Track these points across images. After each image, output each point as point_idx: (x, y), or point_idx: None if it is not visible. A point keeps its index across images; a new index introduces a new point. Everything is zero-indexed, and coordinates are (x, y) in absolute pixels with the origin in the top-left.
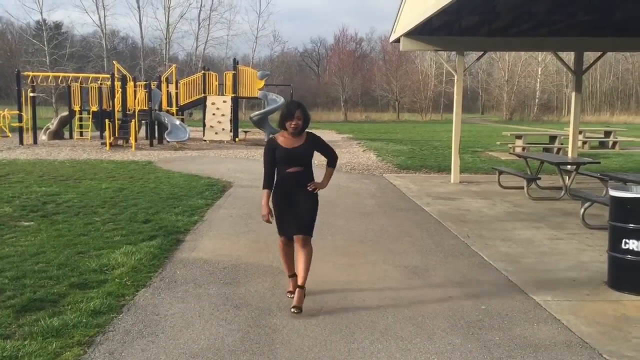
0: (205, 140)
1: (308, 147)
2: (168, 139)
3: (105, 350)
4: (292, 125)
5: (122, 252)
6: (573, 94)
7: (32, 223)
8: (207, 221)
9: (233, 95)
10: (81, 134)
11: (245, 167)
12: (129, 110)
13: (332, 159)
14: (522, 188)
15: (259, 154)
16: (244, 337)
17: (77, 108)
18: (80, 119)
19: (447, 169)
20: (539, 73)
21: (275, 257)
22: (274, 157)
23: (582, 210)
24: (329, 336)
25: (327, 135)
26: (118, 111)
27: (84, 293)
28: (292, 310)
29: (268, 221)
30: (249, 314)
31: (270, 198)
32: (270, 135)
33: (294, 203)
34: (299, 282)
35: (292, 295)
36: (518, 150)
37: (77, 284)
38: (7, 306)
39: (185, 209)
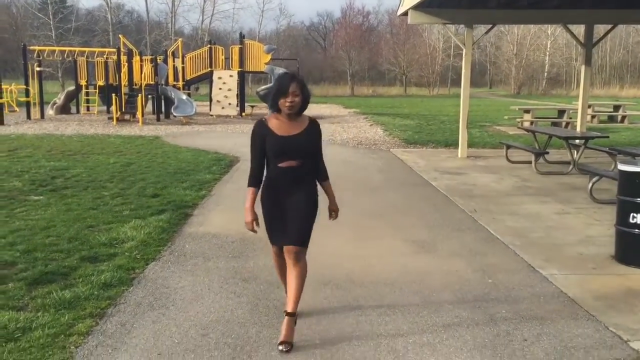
0: (211, 115)
1: (309, 136)
2: (175, 114)
3: (117, 322)
4: (287, 104)
5: (131, 226)
6: (582, 67)
7: (41, 197)
8: (214, 196)
9: (239, 69)
10: (88, 108)
11: None
12: (136, 85)
13: (323, 168)
14: (530, 162)
15: None
16: (253, 310)
17: (83, 82)
18: (87, 94)
19: (454, 144)
20: (548, 46)
21: None
22: (264, 145)
23: (590, 184)
24: (337, 309)
25: (334, 110)
26: (124, 86)
27: (94, 266)
28: (280, 347)
29: (253, 230)
30: (257, 287)
31: (259, 199)
32: (262, 117)
33: (286, 206)
34: (290, 308)
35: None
36: (526, 124)
37: (88, 257)
38: (20, 279)
39: (193, 183)
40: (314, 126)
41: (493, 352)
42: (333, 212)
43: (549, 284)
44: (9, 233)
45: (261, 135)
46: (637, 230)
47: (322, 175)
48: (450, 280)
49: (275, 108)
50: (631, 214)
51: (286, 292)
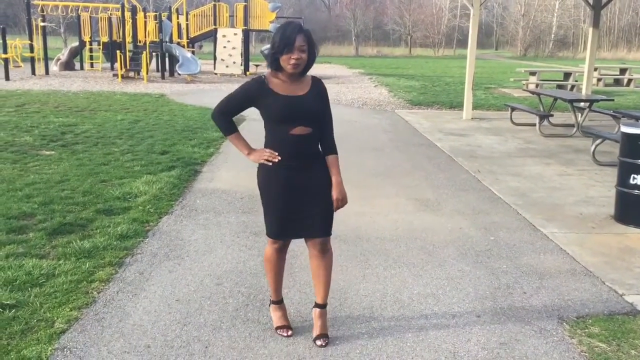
0: (216, 74)
1: (316, 98)
2: (179, 72)
3: (135, 271)
4: (292, 61)
5: (143, 182)
6: (590, 29)
7: (53, 152)
8: (222, 153)
9: (244, 27)
10: (92, 65)
11: None
12: (140, 42)
13: (331, 136)
14: (534, 125)
15: None
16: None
17: (87, 39)
18: (91, 50)
19: (459, 106)
20: (556, 7)
21: None
22: (245, 106)
23: (593, 147)
24: (344, 262)
25: (338, 70)
26: (129, 42)
27: (110, 219)
28: (318, 342)
29: (275, 158)
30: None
31: (259, 178)
32: (261, 75)
33: (305, 188)
34: (322, 299)
35: (285, 333)
36: (531, 87)
37: (103, 210)
38: (39, 229)
39: (201, 141)
40: (319, 86)
41: (493, 303)
42: (338, 200)
43: (549, 241)
44: (25, 186)
45: (253, 96)
46: (637, 191)
47: (329, 147)
48: (453, 237)
49: (276, 65)
50: (632, 175)
51: (275, 300)
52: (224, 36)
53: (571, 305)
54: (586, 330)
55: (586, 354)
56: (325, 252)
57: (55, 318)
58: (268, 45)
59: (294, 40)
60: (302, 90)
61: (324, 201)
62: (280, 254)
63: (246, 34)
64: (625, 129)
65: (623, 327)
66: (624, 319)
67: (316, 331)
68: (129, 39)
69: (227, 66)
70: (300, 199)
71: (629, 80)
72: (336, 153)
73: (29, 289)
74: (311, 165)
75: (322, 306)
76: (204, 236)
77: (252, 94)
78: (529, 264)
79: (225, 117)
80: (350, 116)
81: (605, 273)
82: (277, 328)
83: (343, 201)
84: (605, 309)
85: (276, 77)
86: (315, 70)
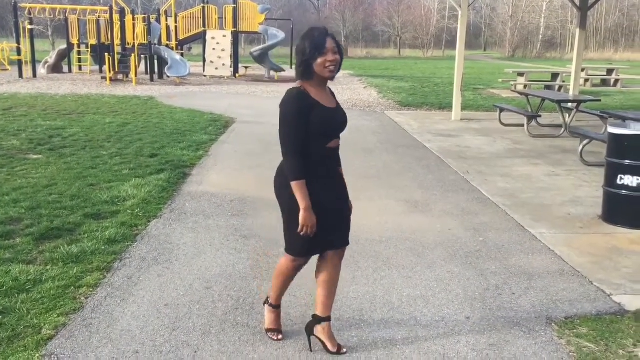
0: (205, 76)
1: (341, 108)
2: (168, 74)
3: (123, 275)
4: (328, 64)
5: (131, 185)
6: (577, 30)
7: (40, 156)
8: (212, 156)
9: (233, 29)
10: (80, 67)
11: (247, 103)
12: (128, 44)
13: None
14: (523, 125)
15: (260, 90)
16: (254, 265)
17: (75, 41)
18: (79, 53)
19: (448, 107)
20: (544, 8)
21: None
22: (307, 123)
23: (581, 147)
24: None
25: None
26: (117, 45)
27: (98, 223)
28: (344, 351)
29: (310, 233)
30: (257, 244)
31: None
32: (298, 86)
33: (334, 202)
34: (327, 312)
35: (275, 337)
36: (520, 87)
37: (91, 214)
38: (27, 234)
39: (190, 144)
40: (333, 94)
41: (483, 305)
42: (350, 209)
43: (538, 242)
44: (12, 190)
45: (307, 111)
46: (624, 191)
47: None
48: (443, 238)
49: (309, 73)
50: (619, 176)
51: (275, 304)
52: (213, 38)
53: (559, 305)
54: (574, 330)
55: (574, 355)
56: (341, 261)
57: (43, 324)
58: (258, 47)
59: (324, 43)
60: (332, 100)
61: (347, 210)
62: (300, 267)
63: (235, 36)
64: (611, 130)
65: (611, 327)
66: (612, 319)
67: (333, 345)
68: (117, 41)
69: (216, 68)
70: (333, 214)
71: (616, 81)
72: (340, 165)
73: (16, 295)
74: (339, 174)
75: (329, 319)
76: (193, 240)
77: (306, 110)
78: (518, 264)
79: (300, 156)
80: None
81: (593, 273)
82: (268, 330)
83: (351, 210)
84: (594, 309)
85: (311, 87)
86: None
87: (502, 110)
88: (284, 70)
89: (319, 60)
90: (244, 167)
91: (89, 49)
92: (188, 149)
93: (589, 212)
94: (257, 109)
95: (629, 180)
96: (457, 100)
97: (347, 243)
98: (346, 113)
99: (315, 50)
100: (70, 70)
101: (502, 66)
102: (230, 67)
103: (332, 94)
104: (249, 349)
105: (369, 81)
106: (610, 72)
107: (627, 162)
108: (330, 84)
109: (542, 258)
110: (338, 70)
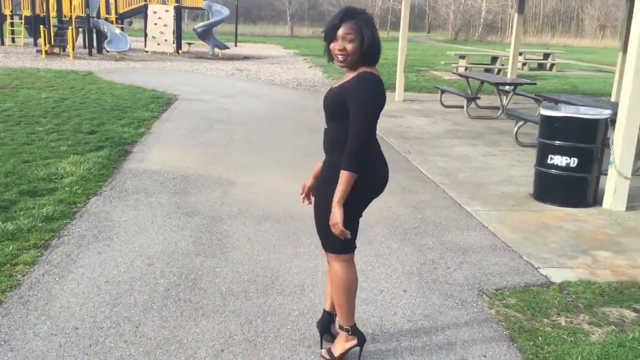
0: (146, 52)
1: (341, 91)
2: (108, 49)
3: (61, 253)
4: (336, 52)
5: (69, 162)
6: (515, 15)
7: None
8: (154, 133)
9: (176, 4)
10: (13, 40)
11: (190, 80)
12: (65, 17)
13: (345, 145)
14: (463, 107)
15: (203, 67)
16: (197, 242)
17: (7, 12)
18: (12, 24)
19: (391, 87)
20: None
21: (225, 169)
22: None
23: (516, 128)
24: (277, 241)
25: (272, 51)
26: (53, 17)
27: (34, 200)
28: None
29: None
30: (200, 221)
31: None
32: (372, 72)
33: None
34: (333, 309)
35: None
36: (461, 70)
37: (27, 192)
38: None
39: (131, 120)
40: (356, 78)
41: (419, 278)
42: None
43: (473, 219)
44: None
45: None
46: (553, 170)
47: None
48: (383, 215)
49: (329, 56)
50: (549, 156)
51: (351, 310)
52: (154, 12)
53: (491, 278)
54: (504, 301)
55: (503, 323)
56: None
57: None
58: (202, 24)
59: (337, 27)
60: (341, 84)
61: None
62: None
63: (178, 11)
64: (543, 112)
65: (537, 298)
66: (539, 290)
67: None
68: (53, 13)
69: (158, 44)
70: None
71: (552, 65)
72: (346, 168)
73: None
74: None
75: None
76: (134, 217)
77: (384, 96)
78: (454, 240)
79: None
80: (285, 97)
81: (523, 248)
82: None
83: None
84: (522, 281)
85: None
86: (250, 49)
87: (443, 91)
88: (228, 48)
89: (331, 46)
90: (187, 145)
91: (23, 21)
92: (129, 126)
93: (521, 190)
94: (200, 86)
95: (558, 160)
96: (400, 82)
97: None
98: (329, 95)
99: (327, 33)
100: (2, 43)
101: (445, 49)
102: (173, 43)
103: (355, 81)
104: (190, 324)
105: (314, 60)
106: (546, 56)
107: (557, 142)
108: (276, 62)
109: (476, 234)
110: (360, 57)
